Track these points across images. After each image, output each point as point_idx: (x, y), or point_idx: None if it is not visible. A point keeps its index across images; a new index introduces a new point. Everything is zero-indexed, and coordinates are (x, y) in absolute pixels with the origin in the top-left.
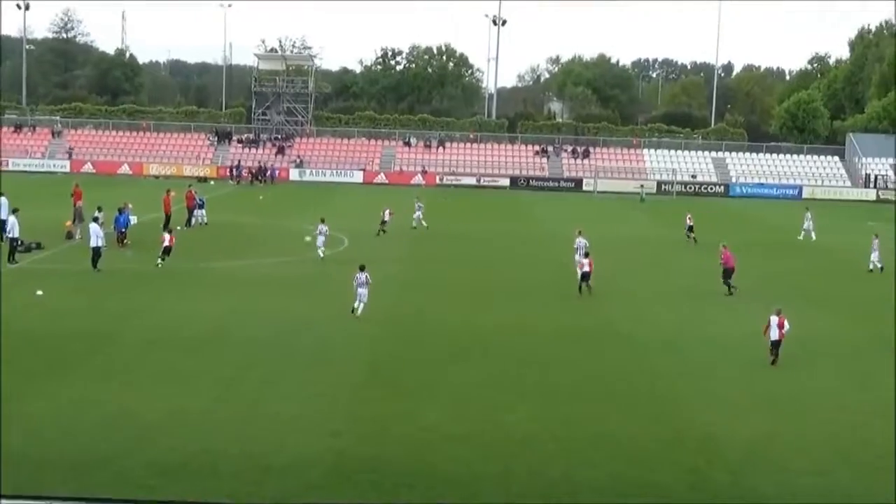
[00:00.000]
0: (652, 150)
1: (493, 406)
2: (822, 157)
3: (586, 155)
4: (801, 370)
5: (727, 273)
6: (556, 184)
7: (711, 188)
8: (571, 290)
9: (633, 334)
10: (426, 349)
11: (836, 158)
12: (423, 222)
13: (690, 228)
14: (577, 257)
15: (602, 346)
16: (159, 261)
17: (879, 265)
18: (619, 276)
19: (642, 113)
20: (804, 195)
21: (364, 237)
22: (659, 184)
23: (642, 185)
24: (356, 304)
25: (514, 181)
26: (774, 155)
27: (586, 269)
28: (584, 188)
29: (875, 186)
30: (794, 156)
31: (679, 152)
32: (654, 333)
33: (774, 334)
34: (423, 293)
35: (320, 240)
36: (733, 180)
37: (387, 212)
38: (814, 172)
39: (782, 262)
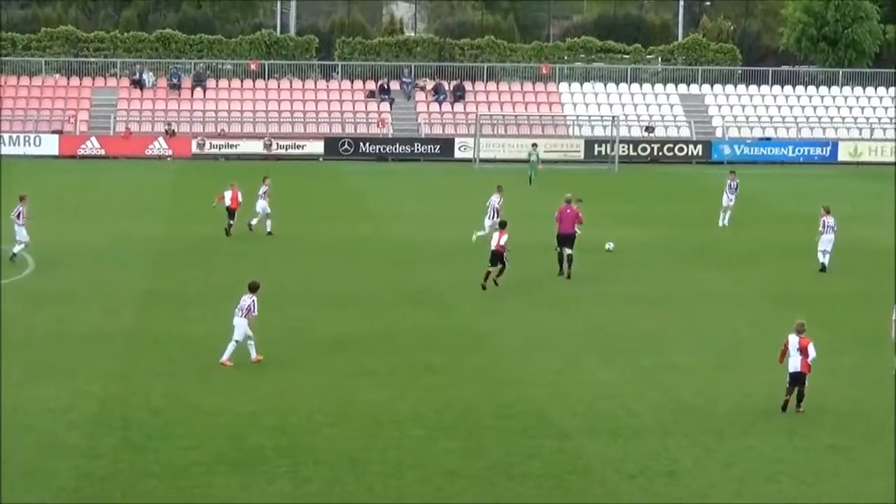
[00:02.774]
0: (575, 85)
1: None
2: (871, 91)
3: (459, 97)
4: None
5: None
6: (408, 148)
7: (682, 149)
8: None
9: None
10: None
11: (894, 91)
12: (268, 221)
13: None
14: (487, 223)
15: None
16: None
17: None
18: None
19: (557, 19)
20: (840, 156)
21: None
22: (589, 143)
23: (534, 145)
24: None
25: (332, 144)
26: (788, 88)
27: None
28: (457, 154)
29: None
30: (823, 88)
31: (622, 87)
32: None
33: (795, 364)
34: None
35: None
36: (718, 134)
37: (227, 195)
38: (857, 117)
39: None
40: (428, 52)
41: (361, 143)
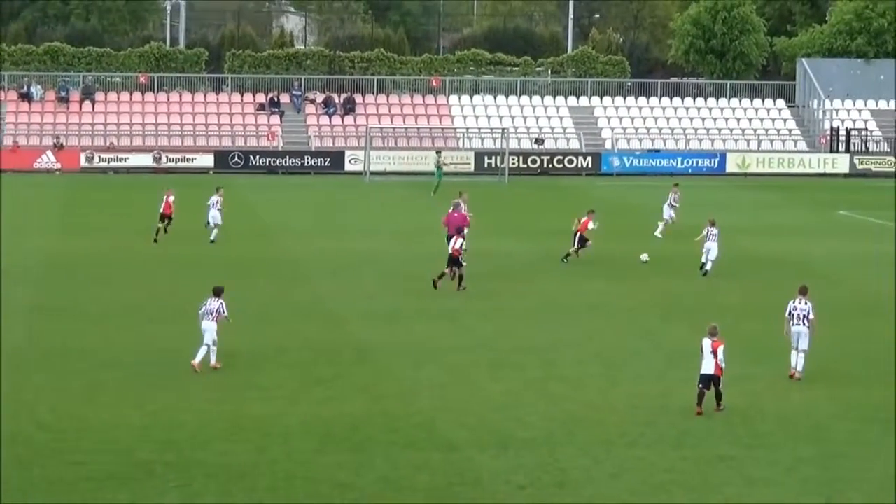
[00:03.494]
0: (465, 97)
1: None
2: (758, 103)
3: (349, 109)
4: None
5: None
6: (298, 161)
7: (571, 161)
8: None
9: None
10: None
11: (782, 102)
12: (216, 230)
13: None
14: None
15: None
16: None
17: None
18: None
19: (447, 32)
20: (729, 167)
21: None
22: (479, 155)
23: (439, 153)
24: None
25: (222, 157)
26: (677, 100)
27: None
28: (348, 167)
29: (849, 149)
30: (711, 100)
31: (512, 99)
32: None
33: (708, 366)
34: None
35: None
36: (608, 146)
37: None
38: (744, 129)
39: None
40: (318, 64)
41: (251, 156)
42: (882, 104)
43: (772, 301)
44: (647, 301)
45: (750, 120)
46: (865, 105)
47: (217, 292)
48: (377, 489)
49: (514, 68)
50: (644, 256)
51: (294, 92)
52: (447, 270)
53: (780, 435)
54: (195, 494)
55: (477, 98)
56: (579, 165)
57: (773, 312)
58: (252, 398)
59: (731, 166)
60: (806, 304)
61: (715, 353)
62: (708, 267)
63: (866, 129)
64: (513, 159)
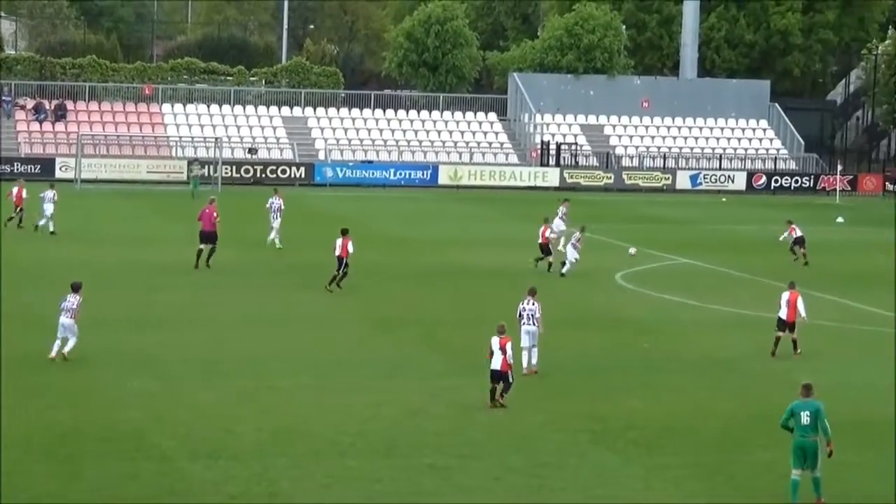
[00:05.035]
0: (178, 106)
1: None
2: (471, 116)
3: (60, 116)
4: None
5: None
6: (7, 168)
7: (285, 171)
8: None
9: None
10: None
11: (494, 116)
12: (51, 223)
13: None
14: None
15: None
16: None
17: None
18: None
19: (161, 39)
20: (441, 179)
21: None
22: (192, 164)
23: (192, 162)
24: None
25: None
26: (390, 112)
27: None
28: (59, 174)
29: (559, 163)
30: (424, 113)
31: (226, 108)
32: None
33: (497, 362)
34: None
35: None
36: (321, 157)
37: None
38: (457, 141)
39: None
40: (28, 70)
41: None
42: (591, 119)
43: (483, 312)
44: (358, 311)
45: (462, 133)
46: (575, 119)
47: (75, 288)
48: (88, 500)
49: (228, 77)
50: (632, 250)
51: (3, 98)
52: (336, 273)
53: (489, 444)
54: None
55: (190, 107)
56: (293, 175)
57: (483, 323)
58: None
59: (444, 178)
60: (534, 304)
61: (503, 349)
62: (564, 269)
63: (576, 144)
64: (226, 169)
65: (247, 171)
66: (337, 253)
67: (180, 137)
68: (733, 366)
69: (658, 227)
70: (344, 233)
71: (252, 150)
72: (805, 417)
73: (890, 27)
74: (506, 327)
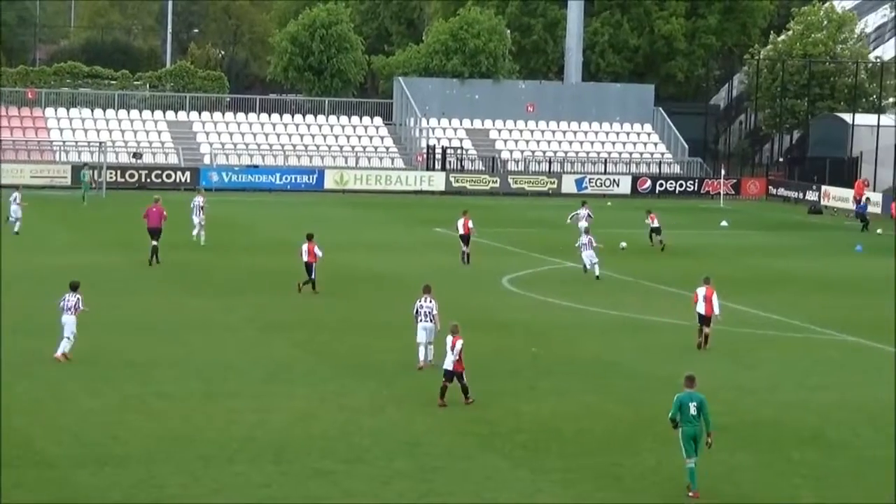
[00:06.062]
0: (62, 110)
1: None
2: (356, 120)
3: None
4: None
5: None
6: None
7: (170, 175)
8: None
9: None
10: None
11: (379, 120)
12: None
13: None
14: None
15: None
16: None
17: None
18: None
19: (44, 43)
20: (327, 183)
21: None
22: (76, 169)
23: (85, 165)
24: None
25: None
26: (276, 116)
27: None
28: None
29: (445, 167)
30: (310, 117)
31: (110, 113)
32: None
33: (448, 362)
34: None
35: None
36: (206, 161)
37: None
38: (342, 146)
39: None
40: None
41: None
42: (477, 123)
43: (369, 317)
44: (245, 317)
45: (348, 137)
46: (461, 124)
47: (74, 286)
48: None
49: (112, 81)
50: (623, 244)
51: None
52: (307, 278)
53: (376, 450)
54: None
55: (74, 111)
56: (178, 180)
57: (371, 328)
58: None
59: (330, 183)
60: (431, 301)
61: (453, 348)
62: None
63: (462, 148)
64: (111, 173)
65: (132, 176)
66: (305, 259)
67: (64, 142)
68: (619, 368)
69: (543, 231)
70: (309, 238)
71: (137, 155)
72: (692, 408)
73: (771, 32)
74: (459, 327)
